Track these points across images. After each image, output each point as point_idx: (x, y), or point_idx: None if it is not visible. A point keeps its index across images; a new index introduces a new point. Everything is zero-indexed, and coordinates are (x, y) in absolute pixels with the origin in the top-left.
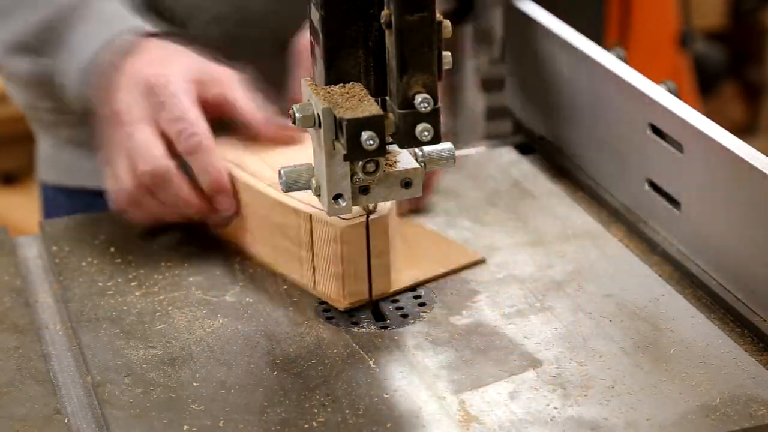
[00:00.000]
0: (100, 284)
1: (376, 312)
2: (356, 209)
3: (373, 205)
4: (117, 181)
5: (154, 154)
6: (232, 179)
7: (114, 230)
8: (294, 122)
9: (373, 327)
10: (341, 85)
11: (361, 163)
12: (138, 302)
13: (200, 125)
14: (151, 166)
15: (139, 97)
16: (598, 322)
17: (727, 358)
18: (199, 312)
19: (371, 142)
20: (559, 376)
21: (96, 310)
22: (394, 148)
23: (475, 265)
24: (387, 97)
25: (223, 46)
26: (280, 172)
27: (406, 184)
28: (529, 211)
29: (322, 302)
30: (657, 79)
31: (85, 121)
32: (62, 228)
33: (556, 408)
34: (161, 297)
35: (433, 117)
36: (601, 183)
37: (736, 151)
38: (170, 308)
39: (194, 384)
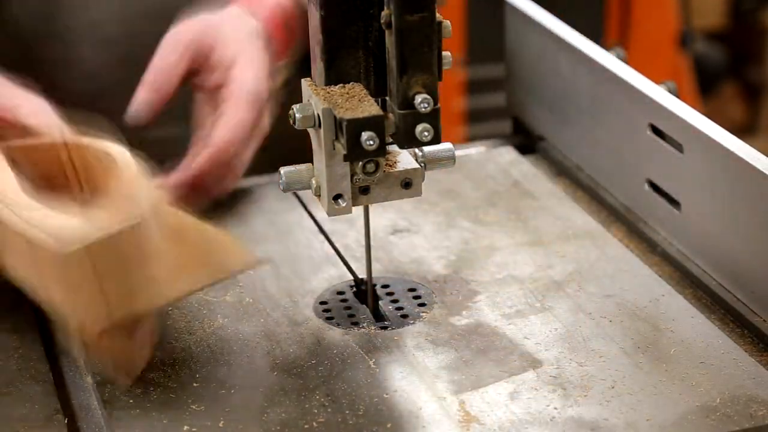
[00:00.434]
0: None
1: (376, 312)
2: (87, 228)
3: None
4: None
5: None
6: None
7: None
8: (294, 122)
9: (373, 327)
10: (341, 85)
11: (361, 163)
12: None
13: None
14: None
15: None
16: (598, 323)
17: (727, 358)
18: (199, 312)
19: (371, 142)
20: (559, 377)
21: None
22: (394, 148)
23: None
24: (387, 98)
25: (116, 69)
26: (279, 172)
27: (406, 184)
28: (529, 211)
29: (323, 302)
30: (657, 79)
31: None
32: None
33: (556, 408)
34: None
35: (433, 117)
36: (600, 183)
37: (736, 151)
38: (170, 309)
39: (194, 384)
